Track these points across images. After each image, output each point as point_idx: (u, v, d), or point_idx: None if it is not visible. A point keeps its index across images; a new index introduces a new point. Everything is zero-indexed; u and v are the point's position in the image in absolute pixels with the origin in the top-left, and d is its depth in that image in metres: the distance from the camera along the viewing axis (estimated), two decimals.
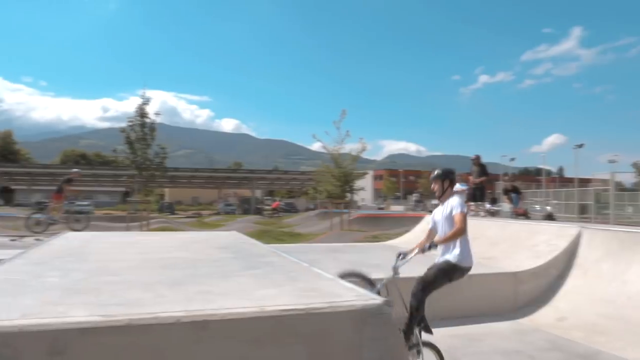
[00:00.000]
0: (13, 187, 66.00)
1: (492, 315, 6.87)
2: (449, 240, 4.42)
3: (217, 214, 50.70)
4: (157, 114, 17.24)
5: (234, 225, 26.41)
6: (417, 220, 13.51)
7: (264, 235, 16.53)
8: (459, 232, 4.34)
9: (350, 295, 2.39)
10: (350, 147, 21.37)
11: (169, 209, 54.95)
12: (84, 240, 4.78)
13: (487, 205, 13.81)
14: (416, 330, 4.45)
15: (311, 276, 2.95)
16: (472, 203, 13.15)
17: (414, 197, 50.95)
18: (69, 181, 14.08)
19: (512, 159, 52.78)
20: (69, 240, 4.82)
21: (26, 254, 3.65)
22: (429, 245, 4.42)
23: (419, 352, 4.37)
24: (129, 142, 16.48)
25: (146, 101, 16.75)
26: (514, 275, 7.36)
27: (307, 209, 51.10)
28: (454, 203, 4.52)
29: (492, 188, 28.01)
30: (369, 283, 4.77)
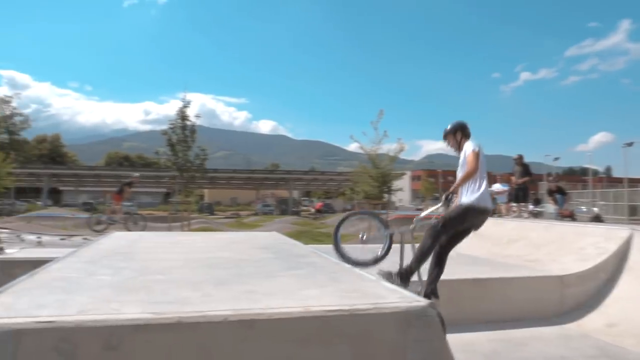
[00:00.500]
0: (61, 188, 68.78)
1: (536, 319, 6.67)
2: (462, 182, 4.26)
3: (255, 214, 51.35)
4: (197, 116, 17.59)
5: (271, 225, 26.69)
6: None
7: (302, 236, 16.63)
8: (471, 172, 4.17)
9: (394, 296, 2.38)
10: (387, 147, 21.18)
11: (209, 209, 55.99)
12: (130, 240, 4.94)
13: (530, 206, 13.43)
14: (427, 286, 4.38)
15: (353, 277, 2.96)
16: (515, 204, 12.82)
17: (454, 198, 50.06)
18: (129, 184, 14.92)
19: (556, 159, 51.10)
20: (116, 240, 4.99)
21: (78, 252, 3.80)
22: (447, 195, 4.34)
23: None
24: (171, 145, 16.87)
25: (187, 104, 17.13)
26: (560, 278, 7.12)
27: (345, 210, 51.06)
28: (466, 147, 4.38)
29: (536, 189, 27.21)
30: (383, 224, 4.82)
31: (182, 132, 16.85)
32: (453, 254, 4.62)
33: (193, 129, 17.06)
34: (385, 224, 4.82)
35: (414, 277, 4.37)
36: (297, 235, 15.54)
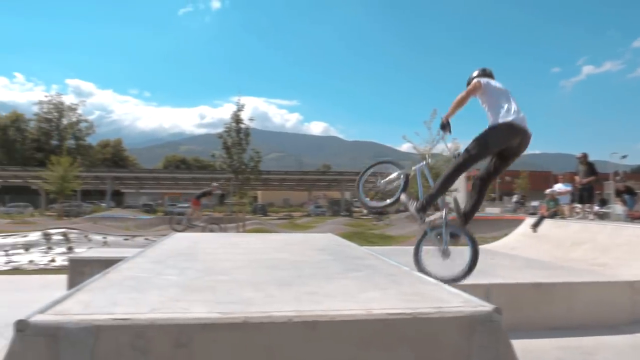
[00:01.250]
0: (123, 190, 72.10)
1: (604, 327, 6.34)
2: (453, 106, 4.19)
3: (308, 215, 51.78)
4: (251, 119, 17.98)
5: (324, 226, 26.81)
6: (516, 222, 12.83)
7: (355, 237, 16.58)
8: (460, 97, 4.17)
9: (457, 300, 2.34)
10: (442, 147, 20.76)
11: (262, 210, 56.98)
12: (191, 241, 5.11)
13: (596, 208, 12.79)
14: (444, 211, 4.32)
15: (413, 280, 2.93)
16: (579, 205, 12.24)
17: (514, 198, 48.04)
18: (208, 193, 15.98)
19: (624, 156, 48.41)
20: (178, 241, 5.18)
21: (144, 253, 3.97)
22: (443, 120, 4.27)
23: (439, 235, 4.27)
24: (226, 147, 17.32)
25: (241, 108, 17.54)
26: (631, 284, 6.74)
27: (397, 211, 50.36)
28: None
29: (601, 188, 25.88)
30: (398, 166, 4.80)
31: (237, 135, 17.26)
32: (512, 256, 4.47)
33: (247, 132, 17.44)
34: (400, 166, 4.77)
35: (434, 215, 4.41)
36: (350, 237, 15.52)
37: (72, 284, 6.28)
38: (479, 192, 4.28)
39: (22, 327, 1.85)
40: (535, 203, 40.88)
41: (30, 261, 11.09)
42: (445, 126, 4.21)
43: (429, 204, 4.34)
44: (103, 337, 1.87)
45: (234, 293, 2.43)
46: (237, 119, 17.49)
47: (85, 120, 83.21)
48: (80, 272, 6.53)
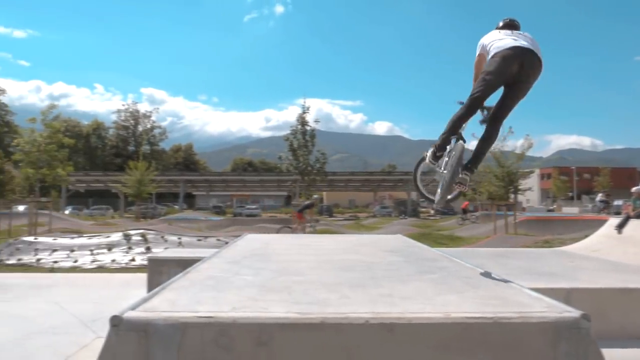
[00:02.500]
0: (194, 193, 75.09)
1: None
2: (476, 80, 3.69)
3: (373, 216, 51.49)
4: (316, 121, 18.17)
5: (390, 227, 26.54)
6: (596, 223, 12.06)
7: (423, 239, 16.27)
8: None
9: (539, 305, 2.24)
10: (513, 144, 19.97)
11: (328, 211, 57.30)
12: (263, 242, 5.25)
13: None
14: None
15: (491, 283, 2.84)
16: None
17: (598, 197, 44.69)
18: (311, 205, 15.86)
19: None
20: (251, 242, 5.33)
21: (220, 253, 4.13)
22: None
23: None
24: (292, 149, 17.60)
25: (306, 110, 17.77)
26: None
27: (467, 212, 48.90)
28: None
29: None
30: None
31: (303, 137, 17.48)
32: (594, 259, 4.20)
33: (313, 134, 17.63)
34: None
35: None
36: (418, 238, 15.23)
37: (151, 282, 6.61)
38: (490, 130, 3.71)
39: (116, 322, 1.98)
40: (618, 202, 38.25)
41: (113, 260, 11.81)
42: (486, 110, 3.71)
43: (441, 147, 3.88)
44: (189, 334, 1.96)
45: (310, 294, 2.47)
46: (302, 121, 17.72)
47: (159, 127, 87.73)
48: (158, 271, 6.85)
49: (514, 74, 3.47)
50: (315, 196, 16.95)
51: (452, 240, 18.13)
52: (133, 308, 2.10)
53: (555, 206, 58.54)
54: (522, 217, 25.23)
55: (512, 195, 21.26)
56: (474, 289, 2.63)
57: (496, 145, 19.66)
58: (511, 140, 19.72)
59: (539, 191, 77.94)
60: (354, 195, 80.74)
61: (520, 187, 21.28)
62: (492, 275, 3.03)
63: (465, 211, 35.09)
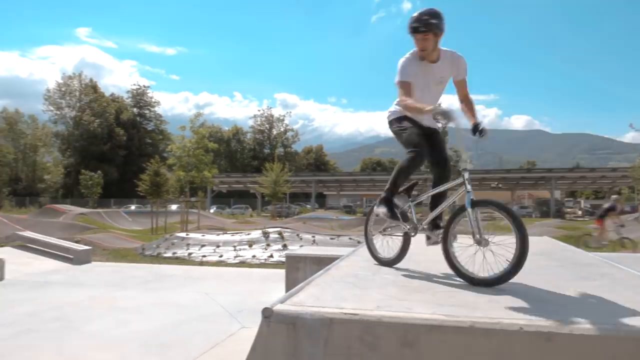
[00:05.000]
0: (325, 192, 77.33)
1: None
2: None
3: None
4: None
5: (531, 229, 24.59)
6: None
7: (571, 242, 14.84)
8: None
9: None
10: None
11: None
12: None
13: None
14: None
15: None
16: None
17: None
18: (612, 209, 14.15)
19: None
20: None
21: (358, 252, 4.17)
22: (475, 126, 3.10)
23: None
24: None
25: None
26: None
27: (622, 212, 43.47)
28: (460, 61, 3.25)
29: None
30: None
31: None
32: None
33: (445, 131, 17.08)
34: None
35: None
36: (565, 241, 13.92)
37: (289, 277, 6.92)
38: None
39: (267, 314, 2.09)
40: None
41: (253, 256, 12.64)
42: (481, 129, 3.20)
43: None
44: (335, 329, 2.00)
45: (456, 296, 2.37)
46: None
47: (291, 130, 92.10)
48: (295, 267, 7.15)
49: None
50: (614, 196, 15.06)
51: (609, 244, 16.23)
52: (282, 301, 2.20)
53: None
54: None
55: None
56: None
57: None
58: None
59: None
60: (489, 194, 76.59)
61: None
62: None
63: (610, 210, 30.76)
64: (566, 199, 64.58)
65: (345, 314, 2.03)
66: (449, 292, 2.45)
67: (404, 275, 2.96)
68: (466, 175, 2.85)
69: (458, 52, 3.25)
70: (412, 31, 3.11)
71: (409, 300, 2.28)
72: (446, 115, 2.83)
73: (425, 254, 4.08)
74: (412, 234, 3.25)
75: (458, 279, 2.75)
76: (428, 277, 2.90)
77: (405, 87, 3.16)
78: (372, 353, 1.96)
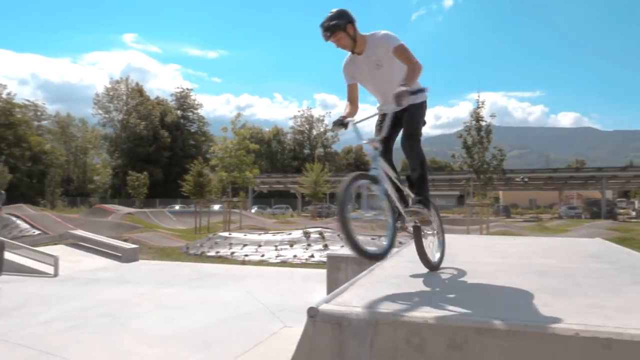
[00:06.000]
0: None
1: None
2: (414, 79, 3.00)
3: (559, 217, 46.65)
4: (492, 115, 17.15)
5: (580, 230, 23.72)
6: None
7: (625, 244, 14.20)
8: (419, 67, 3.00)
9: None
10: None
11: (505, 212, 53.75)
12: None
13: None
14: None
15: None
16: None
17: None
18: None
19: None
20: None
21: (401, 252, 4.12)
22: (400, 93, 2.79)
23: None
24: (466, 147, 16.85)
25: (481, 104, 16.87)
26: None
27: None
28: (382, 39, 3.14)
29: None
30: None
31: (477, 133, 16.64)
32: None
33: (489, 130, 16.67)
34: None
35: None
36: (619, 243, 13.33)
37: (330, 278, 6.90)
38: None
39: (313, 314, 2.09)
40: None
41: (294, 256, 12.71)
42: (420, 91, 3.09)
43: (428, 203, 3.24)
44: (382, 330, 1.98)
45: (505, 299, 2.30)
46: (477, 117, 16.86)
47: (331, 130, 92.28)
48: (337, 267, 7.13)
49: None
50: None
51: None
52: (327, 301, 2.20)
53: None
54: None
55: None
56: None
57: None
58: None
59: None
60: (535, 194, 74.27)
61: None
62: None
63: None
64: (618, 199, 61.82)
65: (392, 315, 2.00)
66: (497, 294, 2.38)
67: (449, 277, 2.90)
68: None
69: (379, 31, 3.22)
70: (325, 40, 3.18)
71: (455, 302, 2.23)
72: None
73: (470, 255, 4.00)
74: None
75: (506, 282, 2.67)
76: (473, 279, 2.82)
77: (348, 90, 3.36)
78: (418, 355, 1.93)
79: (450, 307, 2.12)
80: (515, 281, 2.80)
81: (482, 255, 4.01)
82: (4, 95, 56.38)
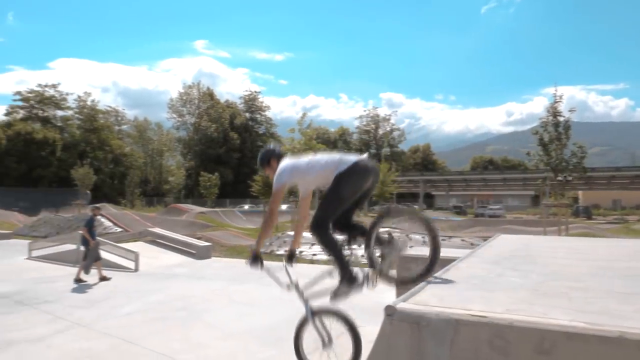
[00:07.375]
0: (433, 192, 75.36)
1: None
2: (262, 236, 3.61)
3: None
4: (571, 110, 16.16)
5: None
6: None
7: None
8: (267, 218, 3.54)
9: None
10: None
11: (585, 213, 50.62)
12: (522, 243, 4.88)
13: None
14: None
15: None
16: None
17: None
18: None
19: None
20: (506, 242, 5.00)
21: (476, 253, 3.98)
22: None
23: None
24: (542, 144, 16.01)
25: (558, 99, 15.97)
26: None
27: None
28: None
29: None
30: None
31: (555, 129, 15.77)
32: None
33: (567, 126, 15.74)
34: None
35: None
36: None
37: (399, 278, 6.79)
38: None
39: (390, 312, 2.06)
40: None
41: (363, 255, 12.68)
42: (256, 259, 3.61)
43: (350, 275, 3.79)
44: (462, 331, 1.91)
45: (595, 303, 2.15)
46: (554, 112, 15.97)
47: (398, 129, 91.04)
48: (406, 268, 7.01)
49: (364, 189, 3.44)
50: None
51: None
52: (404, 300, 2.16)
53: None
54: None
55: None
56: None
57: None
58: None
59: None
60: (619, 194, 69.35)
61: None
62: None
63: None
64: None
65: (473, 315, 1.93)
66: (586, 298, 2.23)
67: (533, 279, 2.75)
68: None
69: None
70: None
71: (541, 304, 2.11)
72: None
73: (553, 257, 3.79)
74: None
75: (595, 285, 2.49)
76: (561, 282, 2.66)
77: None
78: (502, 358, 1.84)
79: (537, 310, 2.01)
80: (605, 285, 2.61)
81: (566, 257, 3.79)
82: (89, 102, 60.57)
